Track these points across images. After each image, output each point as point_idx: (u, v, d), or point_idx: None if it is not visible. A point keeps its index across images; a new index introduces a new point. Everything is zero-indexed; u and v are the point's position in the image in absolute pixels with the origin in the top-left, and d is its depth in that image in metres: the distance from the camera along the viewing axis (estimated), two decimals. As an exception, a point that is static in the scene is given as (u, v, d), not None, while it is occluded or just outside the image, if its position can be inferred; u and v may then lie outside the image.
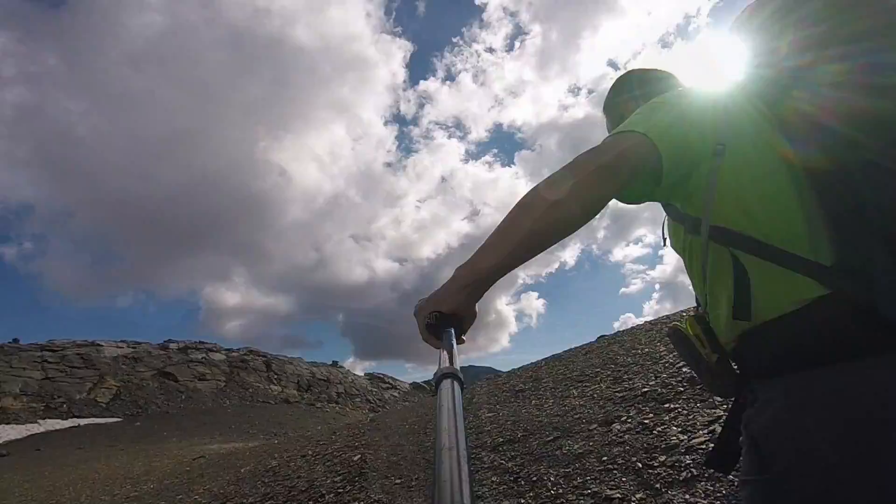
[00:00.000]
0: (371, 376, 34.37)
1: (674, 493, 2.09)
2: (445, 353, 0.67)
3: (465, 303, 0.78)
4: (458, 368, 0.60)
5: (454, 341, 0.72)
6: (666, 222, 0.98)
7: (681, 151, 0.79)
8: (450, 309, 0.78)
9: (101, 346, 23.13)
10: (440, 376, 0.57)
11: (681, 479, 2.17)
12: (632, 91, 1.14)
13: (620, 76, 1.19)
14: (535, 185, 0.80)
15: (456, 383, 0.55)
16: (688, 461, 2.27)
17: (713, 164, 0.78)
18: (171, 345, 25.72)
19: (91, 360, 21.61)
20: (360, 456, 4.08)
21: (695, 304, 0.93)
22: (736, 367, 0.83)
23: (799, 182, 0.74)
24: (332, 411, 20.34)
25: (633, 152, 0.78)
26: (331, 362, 32.76)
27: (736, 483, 0.93)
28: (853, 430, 0.64)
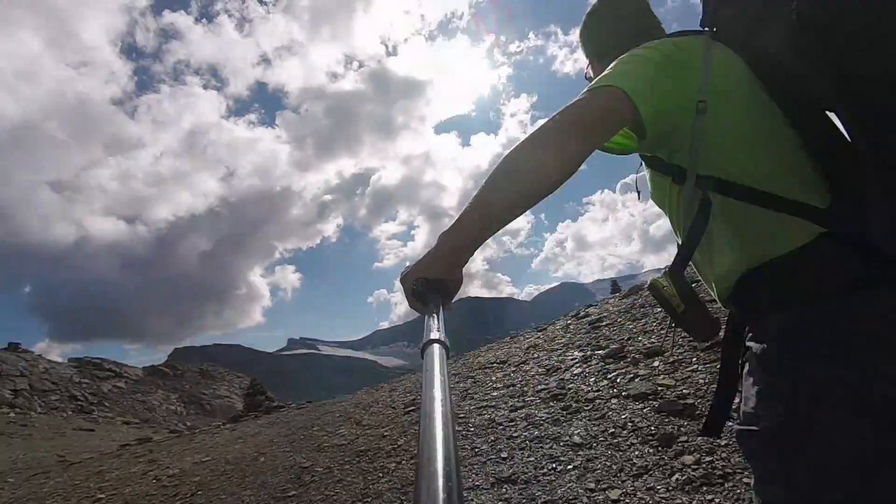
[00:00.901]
0: (79, 362, 23.95)
1: None
2: (432, 319, 0.66)
3: (449, 269, 0.78)
4: (444, 335, 0.59)
5: (440, 308, 0.71)
6: (646, 175, 0.99)
7: (662, 109, 0.80)
8: (435, 275, 0.77)
9: None
10: (426, 343, 0.56)
11: None
12: (617, 24, 1.08)
13: (588, 18, 1.13)
14: (513, 145, 0.80)
15: (442, 349, 0.54)
16: None
17: (696, 119, 0.80)
18: None
19: None
20: None
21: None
22: (733, 304, 0.86)
23: (787, 129, 0.80)
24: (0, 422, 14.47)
25: (613, 110, 0.78)
26: (6, 345, 22.00)
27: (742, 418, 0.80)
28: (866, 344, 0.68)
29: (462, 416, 3.92)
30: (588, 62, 1.16)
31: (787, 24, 0.75)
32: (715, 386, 0.91)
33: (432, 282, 0.77)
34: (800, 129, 0.80)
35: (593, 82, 0.84)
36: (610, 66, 0.86)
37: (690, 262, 0.89)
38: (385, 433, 4.15)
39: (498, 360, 5.65)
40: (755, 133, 0.81)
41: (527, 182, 0.77)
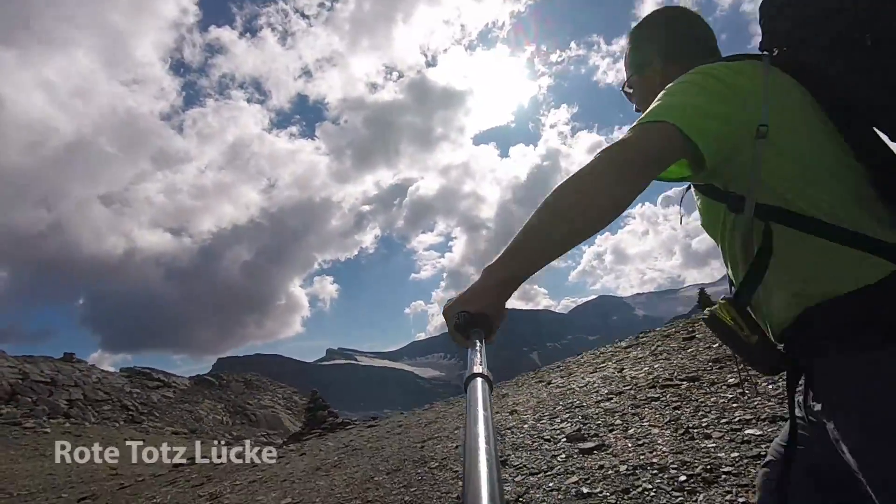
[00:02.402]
0: (130, 372, 24.62)
1: None
2: (474, 353, 0.65)
3: (493, 303, 0.76)
4: (487, 369, 0.59)
5: (483, 341, 0.71)
6: (696, 200, 0.94)
7: (719, 137, 0.76)
8: (478, 309, 0.76)
9: None
10: (469, 376, 0.56)
11: None
12: (672, 33, 1.04)
13: (655, 17, 1.08)
14: (562, 181, 0.77)
15: (485, 383, 0.54)
16: None
17: (757, 145, 0.76)
18: None
19: None
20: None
21: (731, 289, 0.91)
22: (789, 342, 0.81)
23: (853, 160, 0.76)
24: (55, 432, 14.20)
25: (664, 147, 0.75)
26: (61, 355, 22.26)
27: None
28: None
29: (736, 473, 2.37)
30: (627, 76, 1.11)
31: (861, 49, 0.74)
32: None
33: (475, 315, 0.76)
34: (867, 161, 0.76)
35: (643, 115, 0.79)
36: (660, 96, 0.82)
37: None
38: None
39: (679, 376, 4.09)
40: (820, 162, 0.77)
41: (575, 220, 0.74)
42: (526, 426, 4.16)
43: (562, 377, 6.34)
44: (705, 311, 0.87)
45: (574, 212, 0.73)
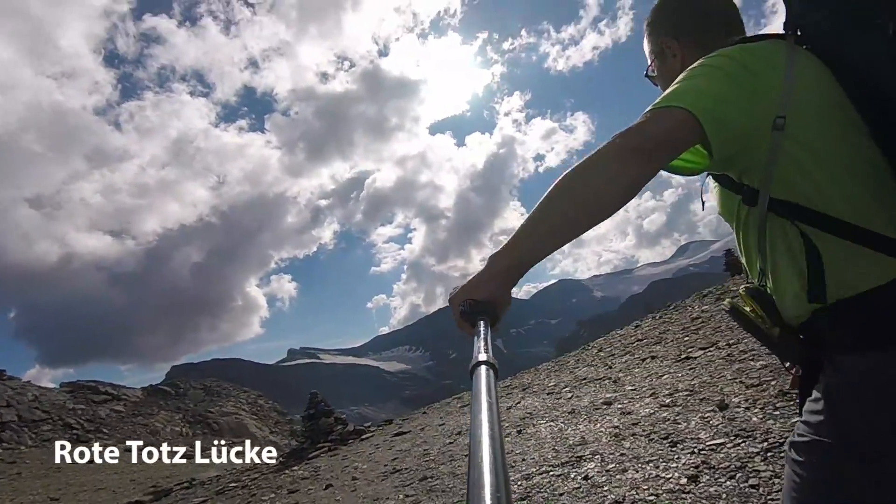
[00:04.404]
0: (73, 387, 21.49)
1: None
2: (479, 340, 0.66)
3: (498, 290, 0.77)
4: (492, 356, 0.58)
5: (489, 329, 0.71)
6: (714, 188, 0.93)
7: (731, 129, 0.74)
8: (483, 296, 0.76)
9: None
10: (474, 364, 0.56)
11: None
12: (695, 8, 0.99)
13: None
14: (569, 168, 0.75)
15: (490, 371, 0.54)
16: None
17: (774, 137, 0.74)
18: None
19: None
20: None
21: (748, 278, 0.91)
22: (805, 337, 0.80)
23: (875, 154, 0.73)
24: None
25: (676, 133, 0.73)
26: None
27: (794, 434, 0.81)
28: None
29: None
30: (650, 60, 1.08)
31: (885, 33, 0.69)
32: None
33: (480, 303, 0.76)
34: (890, 154, 0.73)
35: (658, 100, 0.77)
36: (676, 80, 0.81)
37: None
38: None
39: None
40: (840, 156, 0.74)
41: (583, 206, 0.73)
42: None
43: (701, 349, 4.82)
44: (726, 303, 0.88)
45: (581, 198, 0.73)
